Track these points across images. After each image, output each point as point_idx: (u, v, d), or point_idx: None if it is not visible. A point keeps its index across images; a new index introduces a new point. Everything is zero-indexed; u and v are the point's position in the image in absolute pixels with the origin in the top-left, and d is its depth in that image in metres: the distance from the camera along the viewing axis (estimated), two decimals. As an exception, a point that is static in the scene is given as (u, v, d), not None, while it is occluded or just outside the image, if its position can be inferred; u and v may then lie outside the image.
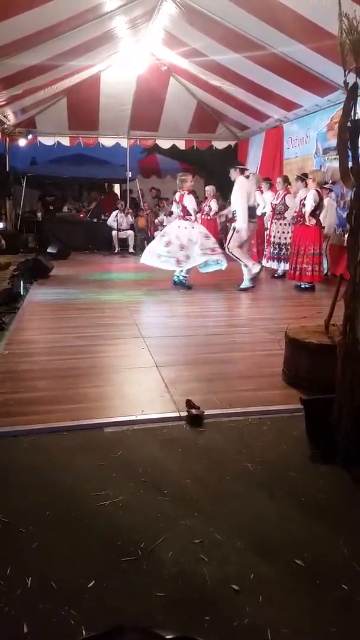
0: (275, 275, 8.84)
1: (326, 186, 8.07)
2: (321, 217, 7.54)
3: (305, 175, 8.10)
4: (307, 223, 7.30)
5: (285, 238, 8.63)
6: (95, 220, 13.96)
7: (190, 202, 7.54)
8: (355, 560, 1.89)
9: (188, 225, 7.51)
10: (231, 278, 8.35)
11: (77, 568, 1.84)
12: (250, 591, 1.73)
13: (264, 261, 9.16)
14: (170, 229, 7.75)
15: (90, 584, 1.76)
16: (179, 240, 7.41)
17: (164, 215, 13.30)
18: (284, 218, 8.59)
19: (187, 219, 7.53)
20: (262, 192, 9.63)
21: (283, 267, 8.66)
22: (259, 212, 9.49)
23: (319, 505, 2.24)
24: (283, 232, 8.68)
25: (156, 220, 13.18)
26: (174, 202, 7.74)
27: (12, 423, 2.95)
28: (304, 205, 7.33)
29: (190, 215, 7.53)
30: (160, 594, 1.72)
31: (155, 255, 7.52)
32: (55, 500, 2.23)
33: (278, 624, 1.60)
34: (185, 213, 7.51)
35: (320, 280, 7.55)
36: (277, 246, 8.78)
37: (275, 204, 8.75)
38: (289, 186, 8.76)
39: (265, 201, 9.41)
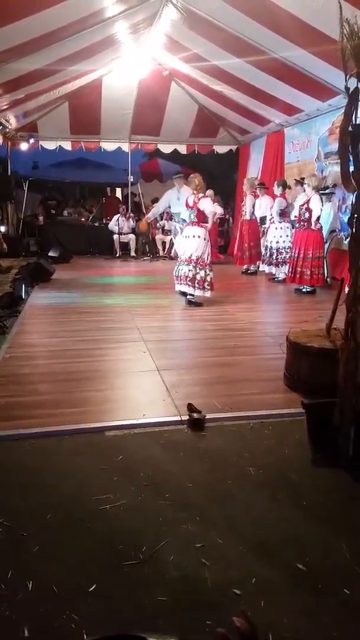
0: (275, 279, 8.84)
1: (327, 190, 8.09)
2: (321, 221, 7.57)
3: (303, 179, 8.15)
4: (313, 227, 7.34)
5: (278, 242, 8.66)
6: (96, 224, 13.99)
7: (208, 205, 6.57)
8: (357, 563, 1.88)
9: (202, 235, 6.56)
10: (230, 281, 8.37)
11: (78, 572, 1.84)
12: (251, 595, 1.73)
13: (262, 266, 9.20)
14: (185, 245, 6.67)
15: (92, 588, 1.75)
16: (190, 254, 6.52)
17: (165, 219, 13.32)
18: (282, 222, 8.62)
19: (202, 226, 6.56)
20: (257, 196, 9.66)
21: (283, 270, 8.69)
22: (254, 215, 9.57)
23: (320, 508, 2.23)
24: (278, 236, 8.71)
25: (157, 225, 13.20)
26: (187, 208, 6.64)
27: (14, 426, 2.96)
28: (307, 210, 7.34)
29: (207, 222, 6.60)
30: (161, 598, 1.71)
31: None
32: (56, 504, 2.23)
33: (280, 628, 1.60)
34: (201, 219, 6.55)
35: (320, 284, 7.57)
36: (271, 250, 8.83)
37: (271, 208, 8.77)
38: (287, 190, 8.77)
39: (262, 206, 9.42)
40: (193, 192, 6.65)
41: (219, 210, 8.01)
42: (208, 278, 6.55)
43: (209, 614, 1.65)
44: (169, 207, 7.82)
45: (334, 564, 1.89)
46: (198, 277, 6.51)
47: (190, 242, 6.60)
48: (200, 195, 6.64)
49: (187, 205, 6.69)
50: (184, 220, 7.56)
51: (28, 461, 2.61)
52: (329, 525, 2.12)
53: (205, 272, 6.54)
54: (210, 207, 6.68)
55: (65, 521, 2.12)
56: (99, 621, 1.63)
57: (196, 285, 6.51)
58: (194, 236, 6.60)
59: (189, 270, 6.51)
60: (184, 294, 6.73)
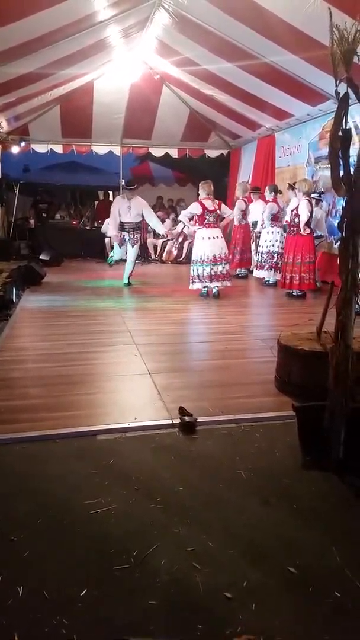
0: (267, 283, 8.88)
1: (313, 195, 8.14)
2: (312, 226, 7.61)
3: (295, 184, 8.20)
4: (302, 232, 7.37)
5: (275, 246, 8.69)
6: (88, 227, 13.96)
7: (228, 209, 7.77)
8: (348, 567, 1.89)
9: (221, 235, 7.54)
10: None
11: (69, 577, 1.82)
12: (242, 599, 1.73)
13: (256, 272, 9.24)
14: (205, 246, 7.46)
15: (83, 593, 1.74)
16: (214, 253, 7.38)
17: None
18: (273, 226, 8.67)
19: (219, 227, 7.53)
20: (251, 200, 9.71)
21: (273, 275, 8.73)
22: (243, 221, 9.62)
23: (311, 512, 2.24)
24: (268, 241, 8.75)
25: (149, 228, 13.18)
26: (204, 211, 7.37)
27: (4, 431, 2.93)
28: (296, 215, 7.39)
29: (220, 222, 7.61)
30: (152, 602, 1.71)
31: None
32: (47, 509, 2.21)
33: (271, 631, 1.60)
34: (218, 221, 7.51)
35: (313, 288, 7.61)
36: (262, 255, 8.86)
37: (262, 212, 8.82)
38: (278, 195, 8.82)
39: (254, 210, 9.46)
40: (208, 197, 7.43)
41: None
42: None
43: (200, 617, 1.65)
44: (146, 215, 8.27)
45: (325, 567, 1.90)
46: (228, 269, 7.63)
47: (216, 243, 7.46)
48: (218, 201, 7.53)
49: (206, 209, 7.36)
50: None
51: (18, 466, 2.59)
52: (320, 528, 2.13)
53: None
54: (230, 210, 7.88)
55: (56, 526, 2.11)
56: (89, 626, 1.62)
57: (229, 277, 7.60)
58: (215, 237, 7.44)
59: (225, 266, 7.50)
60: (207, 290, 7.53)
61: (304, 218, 7.31)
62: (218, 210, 7.42)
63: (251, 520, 2.16)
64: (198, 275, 7.43)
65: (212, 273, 7.34)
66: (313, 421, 2.63)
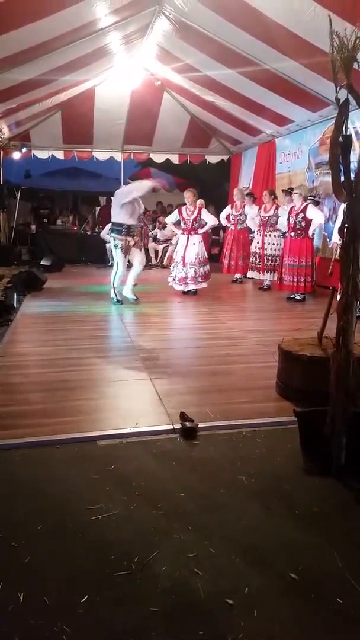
0: (265, 287, 8.88)
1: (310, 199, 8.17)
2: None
3: (292, 189, 8.27)
4: (309, 236, 7.49)
5: (276, 250, 8.72)
6: (89, 232, 14.00)
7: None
8: (350, 573, 1.88)
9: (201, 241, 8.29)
10: (221, 290, 8.38)
11: (69, 583, 1.82)
12: (244, 605, 1.72)
13: (251, 273, 9.23)
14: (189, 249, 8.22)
15: (83, 599, 1.74)
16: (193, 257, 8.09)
17: (158, 228, 13.35)
18: (277, 230, 8.69)
19: (198, 233, 8.26)
20: (244, 205, 9.74)
21: (269, 277, 8.76)
22: (247, 225, 9.63)
23: (313, 517, 2.23)
24: (276, 244, 8.77)
25: (150, 233, 13.22)
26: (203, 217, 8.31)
27: (5, 436, 2.93)
28: (304, 219, 7.43)
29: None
30: (153, 609, 1.70)
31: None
32: (48, 514, 2.21)
33: (273, 638, 1.59)
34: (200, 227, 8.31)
35: (310, 291, 7.65)
36: (270, 258, 8.86)
37: (269, 217, 8.82)
38: (275, 199, 8.89)
39: (250, 215, 9.49)
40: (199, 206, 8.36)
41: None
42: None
43: (202, 624, 1.64)
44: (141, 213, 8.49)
45: (326, 572, 1.89)
46: None
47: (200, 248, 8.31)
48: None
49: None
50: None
51: (19, 471, 2.58)
52: (322, 533, 2.12)
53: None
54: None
55: (57, 532, 2.10)
56: (90, 632, 1.61)
57: None
58: (200, 242, 8.34)
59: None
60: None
61: (320, 221, 7.49)
62: None
63: (252, 526, 2.16)
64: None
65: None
66: (314, 426, 2.63)
